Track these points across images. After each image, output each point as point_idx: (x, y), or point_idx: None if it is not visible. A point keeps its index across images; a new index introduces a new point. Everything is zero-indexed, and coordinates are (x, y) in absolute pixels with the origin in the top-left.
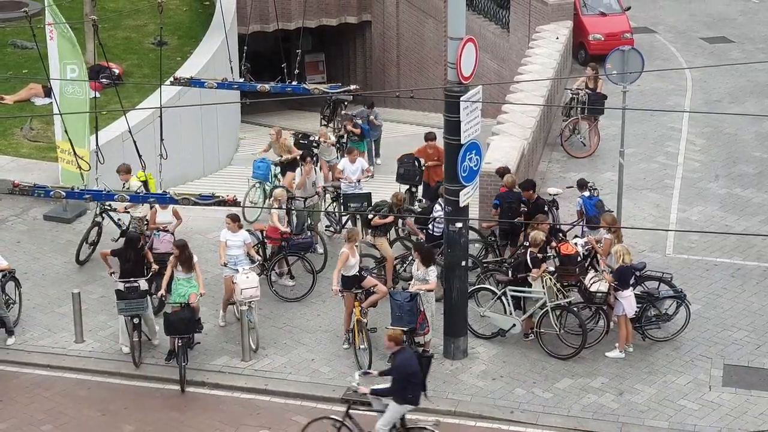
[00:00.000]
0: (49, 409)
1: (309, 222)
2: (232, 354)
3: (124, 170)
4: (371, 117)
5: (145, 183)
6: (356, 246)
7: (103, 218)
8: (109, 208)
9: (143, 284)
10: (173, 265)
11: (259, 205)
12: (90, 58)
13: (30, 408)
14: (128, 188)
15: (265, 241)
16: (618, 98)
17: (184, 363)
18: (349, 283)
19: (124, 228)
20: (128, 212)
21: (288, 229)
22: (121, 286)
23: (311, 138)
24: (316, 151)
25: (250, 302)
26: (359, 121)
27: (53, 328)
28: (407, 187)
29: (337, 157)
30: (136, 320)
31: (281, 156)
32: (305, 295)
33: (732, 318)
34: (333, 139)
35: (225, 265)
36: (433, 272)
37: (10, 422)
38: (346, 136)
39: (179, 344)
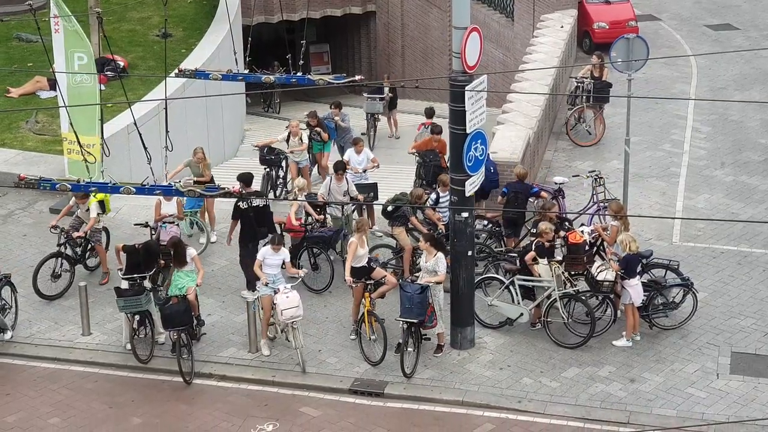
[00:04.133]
0: (57, 402)
1: (345, 230)
2: (239, 345)
3: (81, 195)
4: (336, 118)
5: (101, 202)
6: (365, 237)
7: (66, 248)
8: (71, 236)
9: (146, 283)
10: (172, 261)
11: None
12: (95, 51)
13: (37, 401)
14: (87, 210)
15: (283, 234)
16: (623, 86)
17: (186, 356)
18: (358, 273)
19: (79, 255)
20: (87, 237)
21: (298, 223)
22: (123, 283)
23: (277, 150)
24: (294, 157)
25: (292, 323)
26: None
27: (60, 321)
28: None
29: (307, 159)
30: (138, 317)
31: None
32: (327, 286)
33: (739, 306)
34: (305, 140)
35: (266, 284)
36: (442, 263)
37: (18, 415)
38: (309, 135)
39: (175, 337)
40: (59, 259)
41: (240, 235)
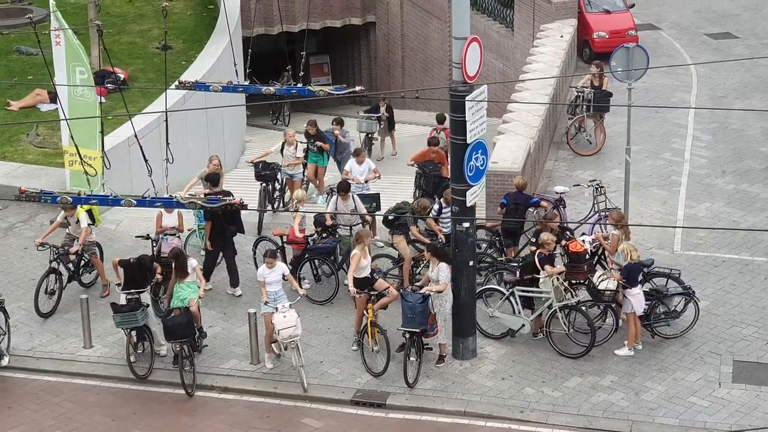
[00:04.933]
0: (59, 415)
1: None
2: (241, 357)
3: (69, 206)
4: (337, 132)
5: (89, 212)
6: (366, 247)
7: (59, 263)
8: (63, 251)
9: (144, 297)
10: (174, 272)
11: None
12: (95, 64)
13: (39, 414)
14: (77, 221)
15: (285, 245)
16: (623, 95)
17: (188, 368)
18: (361, 284)
19: (73, 271)
20: (82, 253)
21: (302, 234)
22: (121, 298)
23: (272, 165)
24: (288, 171)
25: (290, 342)
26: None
27: (61, 334)
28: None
29: (302, 172)
30: (135, 332)
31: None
32: (330, 298)
33: (741, 314)
34: (300, 152)
35: (266, 303)
36: (443, 273)
37: (19, 428)
38: (306, 145)
39: (178, 349)
40: (52, 275)
41: (210, 233)
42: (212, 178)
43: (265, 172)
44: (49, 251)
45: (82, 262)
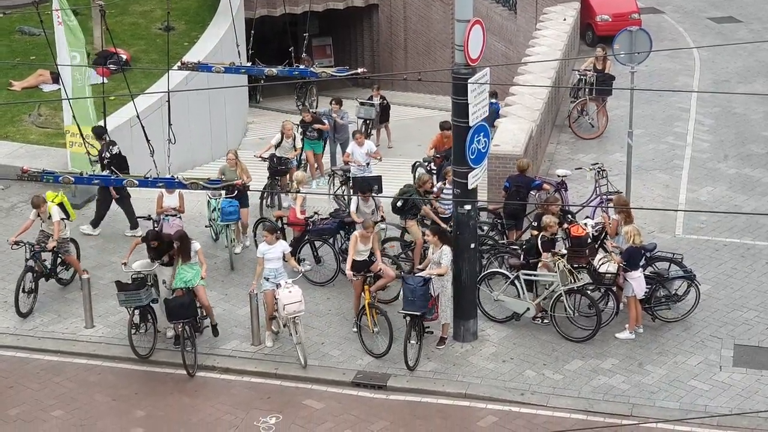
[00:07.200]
0: (60, 395)
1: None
2: (242, 338)
3: (40, 203)
4: (334, 115)
5: (61, 204)
6: (370, 235)
7: (35, 261)
8: (39, 249)
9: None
10: (177, 255)
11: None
12: (97, 44)
13: (41, 394)
14: (49, 217)
15: (284, 227)
16: (626, 79)
17: (189, 348)
18: (358, 267)
19: (50, 269)
20: (57, 251)
21: (302, 217)
22: (124, 277)
23: (284, 159)
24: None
25: (294, 318)
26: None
27: (63, 313)
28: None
29: (295, 159)
30: (139, 312)
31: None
32: (331, 280)
33: (742, 298)
34: (299, 143)
35: (267, 279)
36: (446, 256)
37: (21, 408)
38: (302, 131)
39: (179, 330)
40: (30, 274)
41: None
42: (96, 131)
43: (281, 166)
44: (24, 249)
45: (58, 260)
